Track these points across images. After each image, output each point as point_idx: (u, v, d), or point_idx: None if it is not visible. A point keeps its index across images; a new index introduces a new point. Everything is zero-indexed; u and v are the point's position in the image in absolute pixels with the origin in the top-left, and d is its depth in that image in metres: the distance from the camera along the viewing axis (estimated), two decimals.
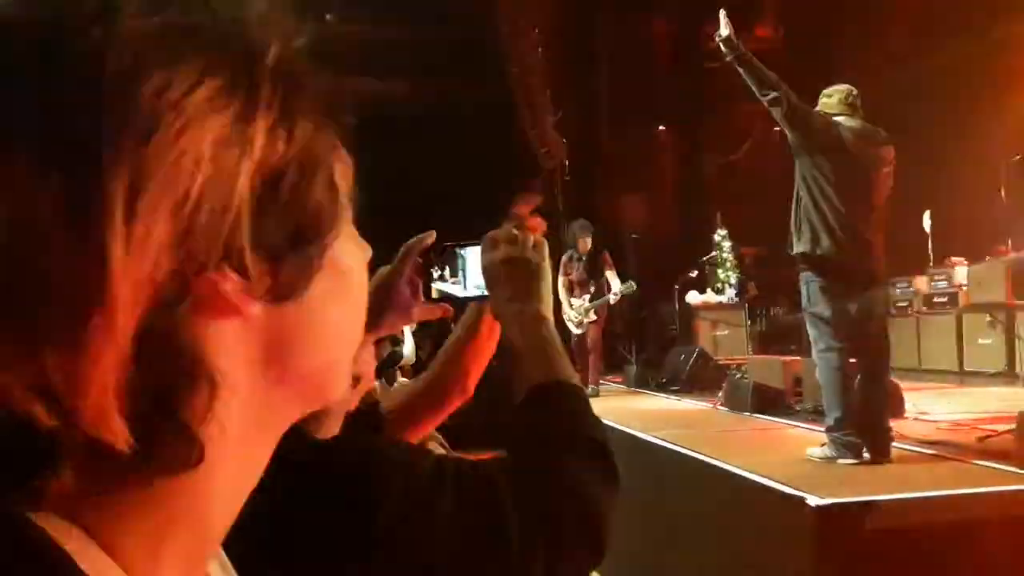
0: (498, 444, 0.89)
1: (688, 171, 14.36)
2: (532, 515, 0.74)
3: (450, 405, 1.27)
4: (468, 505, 0.71)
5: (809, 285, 4.34)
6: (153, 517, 0.40)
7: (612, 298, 8.10)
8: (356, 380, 0.98)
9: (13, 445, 0.36)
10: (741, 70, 4.32)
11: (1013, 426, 4.08)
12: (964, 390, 7.27)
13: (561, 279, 8.16)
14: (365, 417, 1.21)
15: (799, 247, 4.37)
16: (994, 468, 3.91)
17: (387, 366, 3.96)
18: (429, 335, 8.52)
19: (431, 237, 1.09)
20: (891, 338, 4.67)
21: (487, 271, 1.03)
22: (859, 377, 4.26)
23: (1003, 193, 7.53)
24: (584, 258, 8.26)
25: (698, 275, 11.08)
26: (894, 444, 4.28)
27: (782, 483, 3.67)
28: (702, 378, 8.21)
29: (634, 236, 10.56)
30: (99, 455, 0.36)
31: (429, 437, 2.13)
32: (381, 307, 1.06)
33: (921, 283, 8.85)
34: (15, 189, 0.35)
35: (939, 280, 8.65)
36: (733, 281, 11.79)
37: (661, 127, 14.87)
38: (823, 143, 4.30)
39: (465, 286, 1.07)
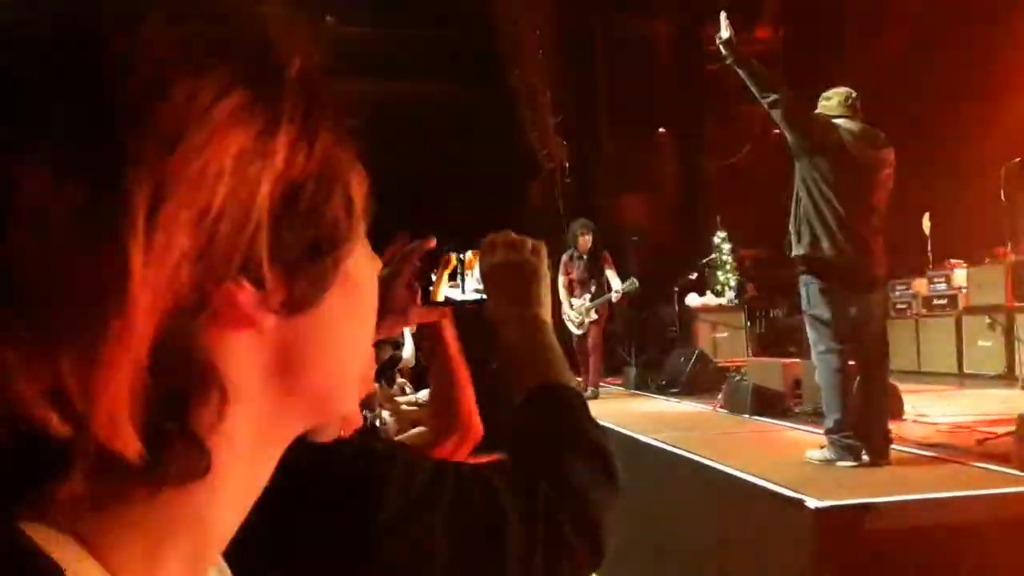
0: (498, 447, 0.89)
1: (688, 173, 14.36)
2: (532, 517, 0.74)
3: (463, 449, 1.28)
4: (467, 506, 0.71)
5: (809, 287, 4.34)
6: (153, 525, 0.40)
7: (614, 296, 8.08)
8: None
9: (23, 451, 0.35)
10: (741, 72, 4.32)
11: (1012, 428, 4.09)
12: (963, 392, 7.27)
13: (561, 279, 8.15)
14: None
15: (799, 249, 4.37)
16: (993, 470, 3.91)
17: (387, 368, 3.96)
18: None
19: (430, 242, 1.09)
20: (890, 340, 4.68)
21: (486, 275, 1.03)
22: (858, 379, 4.26)
23: (1003, 195, 7.53)
24: (584, 257, 8.25)
25: (698, 277, 11.09)
26: (893, 446, 4.28)
27: (781, 485, 3.67)
28: (702, 380, 8.21)
29: (634, 238, 10.58)
30: (107, 463, 0.36)
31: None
32: (378, 310, 1.06)
33: (921, 285, 8.85)
34: (38, 195, 0.35)
35: (939, 282, 8.66)
36: (733, 283, 11.80)
37: (661, 129, 14.88)
38: (823, 145, 4.30)
39: (463, 289, 1.07)
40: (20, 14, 0.37)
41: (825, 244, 4.26)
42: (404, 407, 5.68)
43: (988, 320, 7.68)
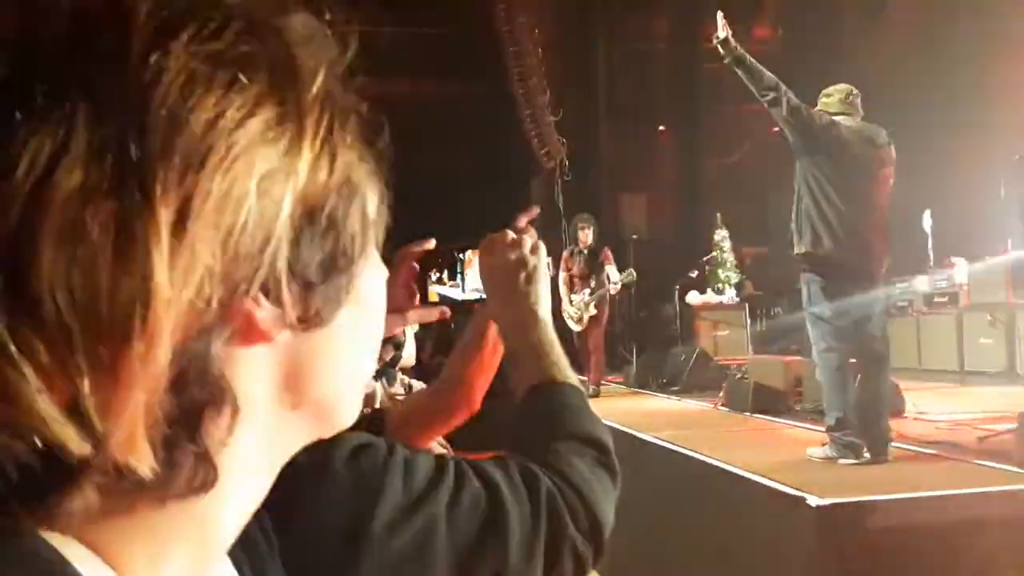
0: (498, 445, 0.90)
1: (688, 171, 14.36)
2: (533, 511, 0.74)
3: (456, 419, 1.27)
4: (468, 502, 0.71)
5: (810, 285, 4.34)
6: (158, 530, 0.41)
7: (612, 288, 8.04)
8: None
9: (40, 465, 0.36)
10: (740, 72, 4.32)
11: (1013, 426, 4.09)
12: (964, 390, 7.27)
13: (562, 275, 8.13)
14: (368, 423, 1.21)
15: (800, 247, 4.37)
16: (994, 468, 3.91)
17: (388, 368, 3.96)
18: (430, 337, 8.53)
19: (429, 243, 1.09)
20: (891, 338, 4.67)
21: (485, 274, 1.03)
22: (859, 377, 4.27)
23: (1003, 193, 7.53)
24: (584, 252, 8.24)
25: (698, 275, 11.08)
26: (894, 444, 4.28)
27: (782, 483, 3.68)
28: (702, 378, 8.21)
29: (634, 236, 10.56)
30: (119, 476, 0.37)
31: None
32: None
33: (921, 283, 8.85)
34: (65, 210, 0.34)
35: (939, 280, 8.65)
36: (734, 281, 11.80)
37: (661, 127, 14.88)
38: (824, 143, 4.30)
39: (464, 289, 1.07)
40: (52, 25, 0.37)
41: (826, 242, 4.26)
42: (400, 406, 5.66)
43: (989, 317, 7.67)
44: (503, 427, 0.91)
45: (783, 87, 4.27)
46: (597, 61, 14.53)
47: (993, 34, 9.31)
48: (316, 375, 0.45)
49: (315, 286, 0.42)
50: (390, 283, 1.02)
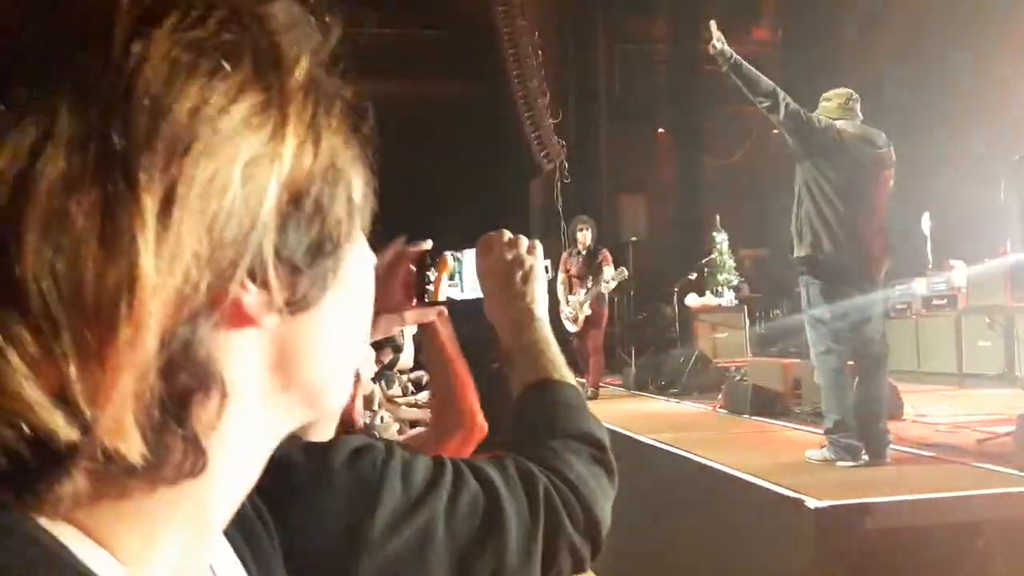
0: (497, 444, 0.90)
1: (688, 173, 14.37)
2: (530, 510, 0.74)
3: (467, 445, 1.28)
4: (466, 502, 0.71)
5: (809, 287, 4.34)
6: (151, 514, 0.41)
7: (604, 287, 8.04)
8: (356, 377, 0.99)
9: (29, 451, 0.36)
10: (736, 79, 4.33)
11: (1012, 428, 4.09)
12: (963, 392, 7.28)
13: (561, 276, 8.13)
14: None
15: (800, 250, 4.37)
16: (993, 470, 3.91)
17: (387, 370, 3.97)
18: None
19: (426, 244, 1.09)
20: (890, 340, 4.68)
21: (482, 274, 1.03)
22: (858, 379, 4.27)
23: (1002, 195, 7.53)
24: (583, 253, 8.25)
25: (697, 278, 11.08)
26: (893, 446, 4.28)
27: (781, 485, 3.68)
28: (701, 381, 8.21)
29: (633, 238, 10.57)
30: (108, 462, 0.37)
31: None
32: (374, 310, 1.06)
33: (920, 285, 8.85)
34: (50, 199, 0.34)
35: (938, 282, 8.65)
36: (734, 283, 11.80)
37: (661, 129, 14.89)
38: (823, 146, 4.30)
39: (462, 289, 1.07)
40: (33, 14, 0.37)
41: (826, 245, 4.26)
42: (404, 408, 5.68)
43: (988, 320, 7.67)
44: (503, 426, 0.91)
45: (780, 92, 4.27)
46: (597, 63, 14.55)
47: (992, 34, 9.31)
48: (305, 359, 0.45)
49: (302, 270, 0.42)
50: (388, 284, 1.01)
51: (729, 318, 10.90)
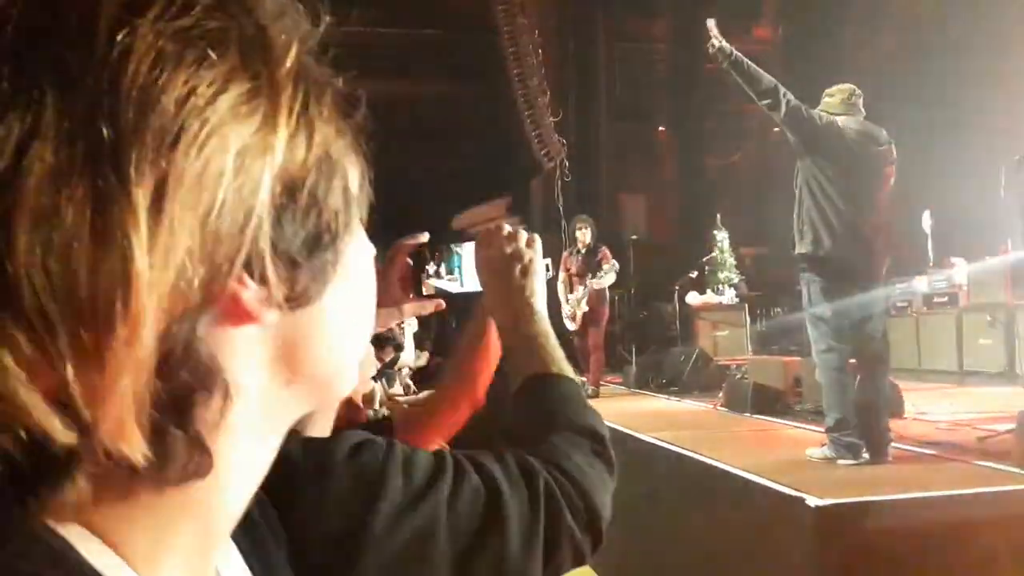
0: (498, 442, 0.90)
1: (688, 172, 14.37)
2: (531, 503, 0.74)
3: (461, 412, 1.28)
4: (467, 496, 0.71)
5: (810, 285, 4.34)
6: (158, 516, 0.40)
7: (595, 284, 8.03)
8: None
9: (29, 456, 0.35)
10: (737, 77, 4.32)
11: (1013, 426, 4.09)
12: (964, 390, 7.27)
13: (561, 275, 8.14)
14: (374, 426, 1.22)
15: (801, 248, 4.37)
16: (994, 468, 3.91)
17: (387, 368, 3.97)
18: (429, 338, 8.53)
19: (423, 237, 1.09)
20: (891, 338, 4.67)
21: (481, 267, 1.03)
22: (859, 378, 4.26)
23: (1003, 193, 7.52)
24: (583, 251, 8.25)
25: (698, 276, 11.08)
26: (894, 444, 4.28)
27: (782, 483, 3.67)
28: (702, 379, 8.22)
29: (634, 237, 10.56)
30: (112, 464, 0.36)
31: None
32: None
33: (921, 283, 8.85)
34: (39, 195, 0.34)
35: (939, 280, 8.65)
36: (735, 281, 11.80)
37: (661, 128, 14.89)
38: (824, 143, 4.29)
39: (462, 282, 1.08)
40: (15, 6, 0.36)
41: (827, 243, 4.25)
42: (404, 407, 5.68)
43: (988, 318, 7.67)
44: (503, 420, 0.91)
45: (781, 89, 4.26)
46: (597, 62, 14.54)
47: (993, 34, 9.31)
48: (308, 355, 0.44)
49: (300, 264, 0.41)
50: (385, 278, 1.01)
51: (730, 316, 10.90)
